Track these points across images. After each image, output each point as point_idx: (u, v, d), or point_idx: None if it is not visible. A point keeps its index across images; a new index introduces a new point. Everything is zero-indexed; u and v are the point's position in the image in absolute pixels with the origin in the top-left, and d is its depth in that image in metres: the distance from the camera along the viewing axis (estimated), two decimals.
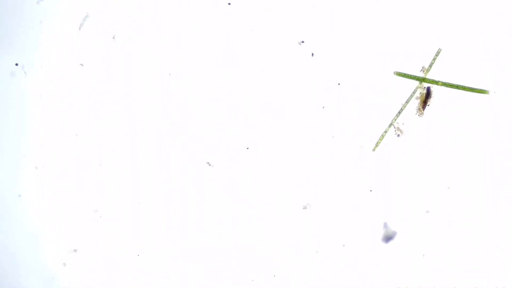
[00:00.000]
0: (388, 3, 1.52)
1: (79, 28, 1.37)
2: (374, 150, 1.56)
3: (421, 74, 1.54)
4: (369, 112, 1.55)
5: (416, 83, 1.54)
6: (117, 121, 1.55)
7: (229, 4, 1.41)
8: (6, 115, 1.58)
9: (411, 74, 1.54)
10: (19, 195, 1.59)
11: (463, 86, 1.52)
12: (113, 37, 1.44)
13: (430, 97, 1.54)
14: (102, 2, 1.53)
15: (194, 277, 1.54)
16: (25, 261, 1.60)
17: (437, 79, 1.53)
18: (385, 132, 1.55)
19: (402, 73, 1.54)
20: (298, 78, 1.54)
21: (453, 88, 1.53)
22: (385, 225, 1.56)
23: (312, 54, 1.54)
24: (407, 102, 1.55)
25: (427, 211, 1.55)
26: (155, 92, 1.54)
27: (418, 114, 1.55)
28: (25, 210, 1.59)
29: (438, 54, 1.53)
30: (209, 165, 1.53)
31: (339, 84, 1.55)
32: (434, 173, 1.54)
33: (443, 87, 1.53)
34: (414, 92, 1.55)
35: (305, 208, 1.56)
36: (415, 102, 1.55)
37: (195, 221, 1.55)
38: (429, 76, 1.54)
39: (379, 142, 1.55)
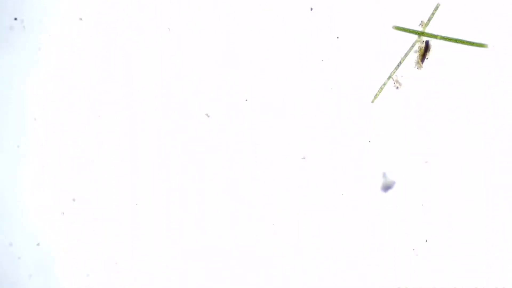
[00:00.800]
0: None
1: None
2: (373, 102, 1.58)
3: (419, 28, 1.57)
4: (368, 65, 1.57)
5: (415, 37, 1.57)
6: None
7: None
8: (6, 69, 1.57)
9: (410, 28, 1.57)
10: (18, 146, 1.59)
11: (461, 40, 1.55)
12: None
13: (429, 50, 1.57)
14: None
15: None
16: (25, 207, 1.59)
17: (435, 33, 1.56)
18: (384, 84, 1.57)
19: (401, 27, 1.57)
20: (297, 32, 1.56)
21: (452, 42, 1.56)
22: (384, 175, 1.58)
23: (311, 9, 1.56)
24: (406, 55, 1.57)
25: (426, 162, 1.57)
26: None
27: (417, 67, 1.58)
28: (23, 160, 1.58)
29: (437, 8, 1.56)
30: (208, 116, 1.54)
31: (338, 38, 1.57)
32: (432, 124, 1.57)
33: (441, 41, 1.56)
34: (413, 46, 1.57)
35: (304, 158, 1.58)
36: (414, 56, 1.58)
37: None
38: (428, 30, 1.56)
39: (378, 94, 1.58)
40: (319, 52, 1.57)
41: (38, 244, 1.57)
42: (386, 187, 1.58)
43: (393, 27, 1.57)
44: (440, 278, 1.58)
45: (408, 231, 1.58)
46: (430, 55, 1.57)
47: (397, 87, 1.58)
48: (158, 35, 1.53)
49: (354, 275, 1.56)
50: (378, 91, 1.57)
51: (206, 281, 1.54)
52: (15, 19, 1.54)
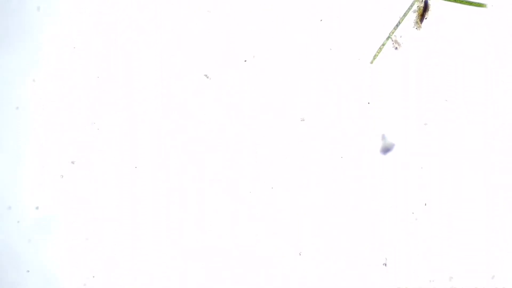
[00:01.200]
0: None
1: None
2: (372, 62, 1.56)
3: None
4: (366, 25, 1.56)
5: None
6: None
7: None
8: (5, 28, 1.57)
9: None
10: (17, 108, 1.59)
11: None
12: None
13: (428, 10, 1.55)
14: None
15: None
16: (25, 168, 1.59)
17: None
18: (383, 45, 1.56)
19: None
20: None
21: (451, 1, 1.54)
22: (383, 137, 1.56)
23: None
24: (404, 15, 1.55)
25: (425, 124, 1.56)
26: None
27: (415, 27, 1.56)
28: (22, 122, 1.58)
29: None
30: (207, 77, 1.53)
31: None
32: (431, 86, 1.55)
33: (440, 1, 1.54)
34: (411, 6, 1.55)
35: (303, 120, 1.57)
36: (413, 16, 1.56)
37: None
38: None
39: (377, 55, 1.56)
40: (318, 12, 1.56)
41: (37, 208, 1.57)
42: (385, 150, 1.57)
43: None
44: (440, 242, 1.56)
45: (407, 194, 1.57)
46: (429, 15, 1.55)
47: (396, 48, 1.57)
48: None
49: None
50: (377, 52, 1.56)
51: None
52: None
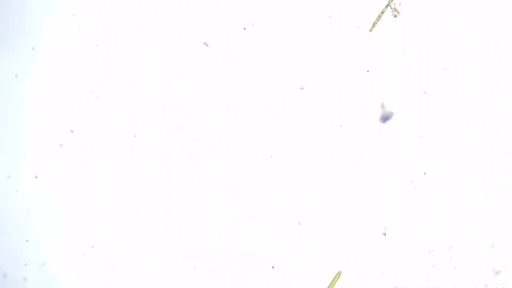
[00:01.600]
0: None
1: None
2: (371, 30, 1.56)
3: None
4: None
5: None
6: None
7: None
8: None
9: None
10: (16, 75, 1.59)
11: None
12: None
13: None
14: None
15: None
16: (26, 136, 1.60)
17: None
18: (382, 12, 1.56)
19: None
20: None
21: None
22: (383, 106, 1.56)
23: None
24: None
25: (424, 92, 1.55)
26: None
27: None
28: (21, 91, 1.59)
29: None
30: (206, 45, 1.53)
31: None
32: (431, 54, 1.55)
33: None
34: None
35: (302, 88, 1.56)
36: None
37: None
38: None
39: (376, 23, 1.56)
40: None
41: (36, 177, 1.58)
42: (385, 118, 1.57)
43: None
44: (439, 211, 1.56)
45: (406, 163, 1.56)
46: None
47: (395, 16, 1.56)
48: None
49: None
50: (376, 20, 1.56)
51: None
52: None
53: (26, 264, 1.57)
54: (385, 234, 1.56)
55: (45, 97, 1.58)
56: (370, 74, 1.56)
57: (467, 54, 1.54)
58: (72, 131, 1.58)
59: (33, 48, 1.59)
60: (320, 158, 1.56)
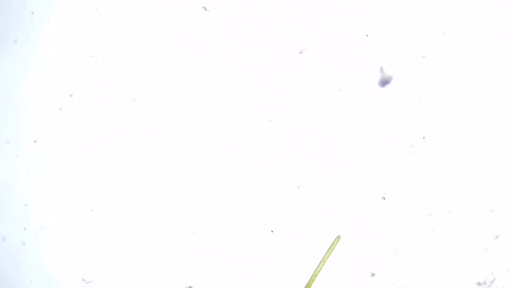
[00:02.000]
0: None
1: None
2: None
3: None
4: None
5: None
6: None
7: None
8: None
9: None
10: (15, 40, 1.59)
11: None
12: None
13: None
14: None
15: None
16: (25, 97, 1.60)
17: None
18: None
19: None
20: None
21: None
22: (382, 70, 1.56)
23: None
24: None
25: (423, 56, 1.55)
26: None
27: None
28: (20, 54, 1.59)
29: None
30: (205, 10, 1.53)
31: None
32: (430, 19, 1.55)
33: None
34: None
35: (301, 53, 1.56)
36: None
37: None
38: None
39: None
40: None
41: (35, 141, 1.57)
42: (384, 82, 1.57)
43: None
44: (438, 176, 1.56)
45: (405, 127, 1.56)
46: None
47: None
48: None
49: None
50: None
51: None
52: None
53: (25, 228, 1.57)
54: (384, 198, 1.56)
55: (44, 62, 1.58)
56: (369, 38, 1.56)
57: (467, 18, 1.54)
58: (71, 95, 1.58)
59: (32, 13, 1.59)
60: (320, 123, 1.56)
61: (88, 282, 1.54)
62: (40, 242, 1.56)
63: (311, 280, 1.55)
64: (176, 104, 1.53)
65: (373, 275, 1.56)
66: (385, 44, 1.56)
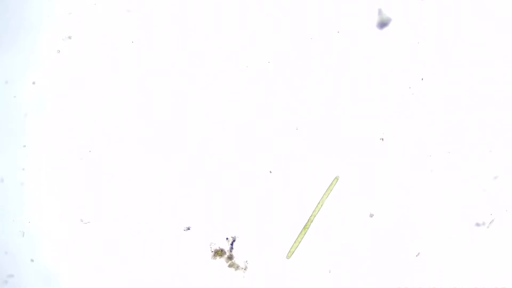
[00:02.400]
0: None
1: None
2: None
3: None
4: None
5: None
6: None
7: None
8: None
9: None
10: None
11: None
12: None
13: None
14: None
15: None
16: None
17: None
18: None
19: None
20: None
21: None
22: (380, 12, 1.57)
23: None
24: None
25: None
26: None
27: None
28: None
29: None
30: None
31: None
32: None
33: None
34: None
35: None
36: None
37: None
38: None
39: None
40: None
41: (33, 83, 1.58)
42: (382, 24, 1.57)
43: None
44: (437, 117, 1.56)
45: (404, 69, 1.57)
46: None
47: None
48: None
49: (348, 118, 1.55)
50: None
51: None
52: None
53: (23, 169, 1.57)
54: (382, 139, 1.56)
55: (42, 3, 1.58)
56: None
57: None
58: (69, 37, 1.58)
59: None
60: (316, 64, 1.57)
61: (86, 223, 1.54)
62: (39, 182, 1.56)
63: (310, 221, 1.55)
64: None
65: (371, 215, 1.56)
66: None
